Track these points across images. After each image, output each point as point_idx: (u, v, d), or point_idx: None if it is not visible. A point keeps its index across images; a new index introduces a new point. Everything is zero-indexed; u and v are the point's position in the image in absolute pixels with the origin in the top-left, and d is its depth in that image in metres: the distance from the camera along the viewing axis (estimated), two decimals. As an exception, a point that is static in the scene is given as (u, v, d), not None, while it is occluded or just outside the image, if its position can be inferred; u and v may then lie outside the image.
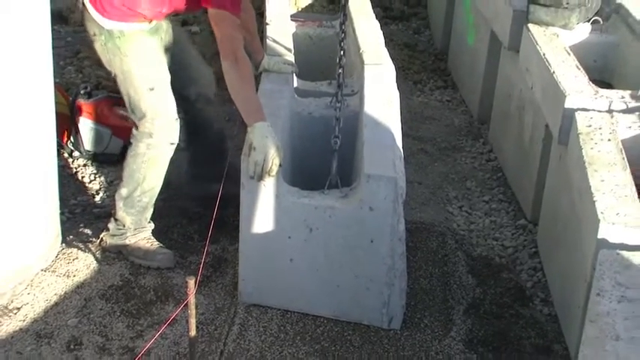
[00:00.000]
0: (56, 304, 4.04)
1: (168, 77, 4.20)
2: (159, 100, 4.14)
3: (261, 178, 3.74)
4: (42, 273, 4.20)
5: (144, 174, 4.22)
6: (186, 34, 4.43)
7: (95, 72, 6.31)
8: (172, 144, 4.22)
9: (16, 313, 3.95)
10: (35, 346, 3.78)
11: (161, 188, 4.37)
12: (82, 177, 5.19)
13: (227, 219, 4.09)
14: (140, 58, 4.10)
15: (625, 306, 2.87)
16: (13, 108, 3.83)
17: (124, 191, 4.28)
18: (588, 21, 5.22)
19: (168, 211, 4.65)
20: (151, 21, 4.11)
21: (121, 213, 4.31)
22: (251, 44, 4.55)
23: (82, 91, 5.33)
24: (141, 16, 4.04)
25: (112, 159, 5.18)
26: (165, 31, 4.27)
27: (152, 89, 4.12)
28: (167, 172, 4.31)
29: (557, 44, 4.86)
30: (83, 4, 4.11)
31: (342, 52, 4.08)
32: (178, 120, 4.22)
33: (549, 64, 4.57)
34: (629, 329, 2.76)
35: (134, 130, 4.22)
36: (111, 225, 4.36)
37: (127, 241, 4.33)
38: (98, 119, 5.18)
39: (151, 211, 4.37)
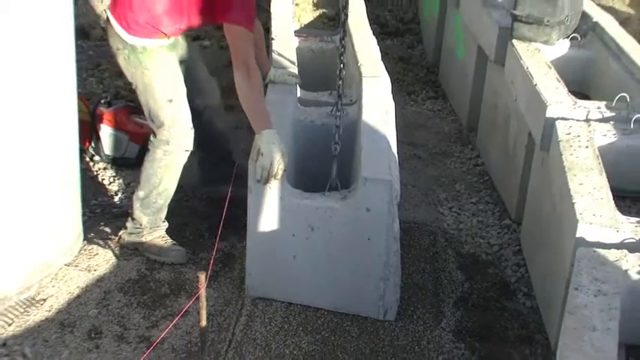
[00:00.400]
0: (78, 296, 4.05)
1: (184, 89, 4.21)
2: (176, 111, 4.15)
3: (267, 181, 3.75)
4: (65, 267, 4.21)
5: (160, 178, 4.23)
6: (196, 49, 4.42)
7: (114, 83, 6.33)
8: (187, 151, 4.23)
9: (42, 304, 3.96)
10: (59, 334, 3.79)
11: (174, 190, 4.40)
12: (102, 179, 5.20)
13: (235, 219, 4.09)
14: (160, 71, 4.11)
15: (601, 299, 2.88)
16: (41, 116, 3.84)
17: (141, 193, 4.29)
18: (567, 37, 5.22)
19: (181, 211, 4.65)
20: (169, 37, 4.13)
21: (137, 213, 4.32)
22: (258, 57, 4.54)
23: (102, 101, 5.35)
24: (161, 33, 4.05)
25: (129, 162, 5.19)
26: (181, 46, 4.28)
27: (170, 100, 4.13)
28: (180, 176, 4.33)
29: (539, 59, 4.86)
30: (108, 20, 4.12)
31: (341, 65, 4.07)
32: (193, 129, 4.23)
33: (532, 77, 4.57)
34: (605, 320, 2.77)
35: (152, 137, 4.24)
36: (128, 224, 4.37)
37: (143, 239, 4.34)
38: (117, 126, 5.20)
39: (165, 211, 4.37)
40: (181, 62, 4.26)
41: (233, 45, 3.92)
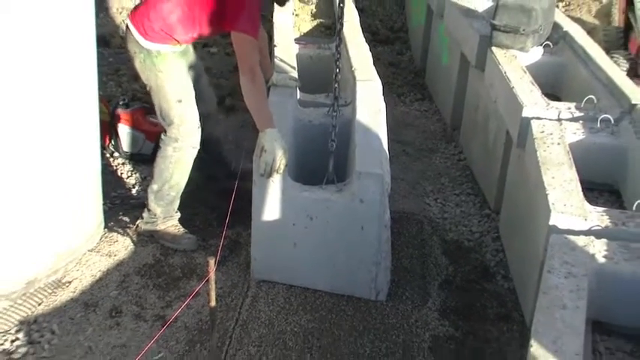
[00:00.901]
0: (100, 279, 4.07)
1: (192, 92, 4.22)
2: (185, 111, 4.17)
3: (270, 175, 3.76)
4: (88, 253, 4.23)
5: (171, 172, 4.24)
6: (200, 62, 4.42)
7: (131, 86, 6.32)
8: (194, 147, 4.24)
9: (67, 286, 3.98)
10: (83, 313, 3.82)
11: (186, 183, 4.40)
12: (121, 173, 5.21)
13: (241, 209, 4.10)
14: (171, 74, 4.13)
15: (571, 281, 2.89)
16: (65, 116, 3.85)
17: (154, 186, 4.31)
18: (541, 45, 5.23)
19: (192, 203, 4.65)
20: (181, 44, 4.14)
21: (152, 204, 4.34)
22: (262, 63, 4.55)
23: (120, 102, 5.36)
24: (174, 40, 4.06)
25: (145, 158, 5.18)
26: (191, 55, 4.29)
27: (180, 101, 4.14)
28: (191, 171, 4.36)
29: (516, 64, 4.87)
30: (128, 27, 4.13)
31: (337, 70, 4.09)
32: (200, 128, 4.25)
33: (509, 81, 4.58)
34: (574, 300, 2.78)
35: (163, 135, 4.25)
36: (144, 214, 4.39)
37: (158, 228, 4.36)
38: (134, 125, 5.21)
39: (177, 202, 4.39)
40: (190, 68, 4.27)
41: (239, 52, 3.92)
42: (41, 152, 3.75)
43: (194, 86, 4.28)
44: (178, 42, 4.09)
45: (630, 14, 11.58)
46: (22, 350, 3.56)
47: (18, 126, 3.60)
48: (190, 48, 4.28)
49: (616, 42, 11.57)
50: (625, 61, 9.41)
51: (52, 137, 3.78)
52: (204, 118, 4.31)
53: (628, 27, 11.76)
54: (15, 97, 3.53)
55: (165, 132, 4.24)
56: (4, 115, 3.53)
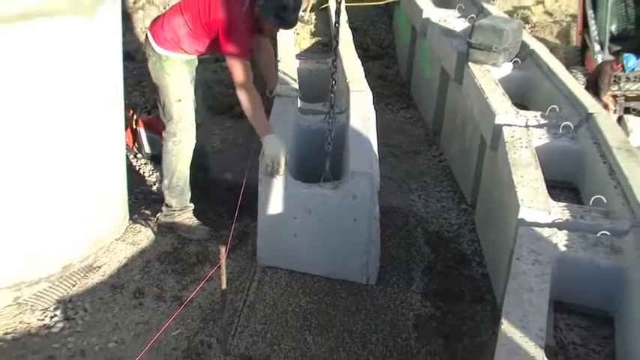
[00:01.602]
0: (125, 264, 4.08)
1: (192, 95, 4.25)
2: (183, 109, 4.19)
3: (272, 175, 3.79)
4: (115, 242, 4.24)
5: (175, 164, 4.27)
6: (199, 76, 4.42)
7: (153, 96, 6.28)
8: (191, 141, 4.27)
9: (97, 270, 4.00)
10: (111, 294, 3.85)
11: (197, 183, 4.42)
12: (144, 172, 5.21)
13: (248, 204, 4.11)
14: (176, 77, 4.16)
15: (537, 267, 2.91)
16: (96, 121, 3.86)
17: (165, 182, 4.33)
18: (510, 61, 5.24)
19: (205, 199, 4.65)
20: (188, 54, 4.17)
21: (167, 198, 4.36)
22: (268, 75, 4.59)
23: (143, 110, 5.38)
24: (182, 49, 4.11)
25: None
26: (195, 66, 4.30)
27: (180, 100, 4.17)
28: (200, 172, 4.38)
29: (489, 77, 4.89)
30: (146, 34, 4.19)
31: (333, 82, 4.08)
32: (195, 125, 4.26)
33: (484, 92, 4.60)
34: (539, 283, 2.81)
35: (164, 132, 4.28)
36: (163, 208, 4.40)
37: (176, 220, 4.37)
38: (154, 130, 5.19)
39: (188, 194, 4.39)
40: (193, 77, 4.28)
41: (232, 71, 3.97)
42: (76, 154, 3.76)
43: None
44: (185, 52, 4.14)
45: (586, 36, 11.72)
46: (60, 325, 3.59)
47: (59, 133, 3.62)
48: (196, 61, 4.29)
49: (574, 59, 11.68)
50: (582, 76, 9.50)
51: (83, 141, 3.79)
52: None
53: (584, 47, 11.89)
54: (57, 107, 3.55)
55: (165, 128, 4.27)
56: (50, 124, 3.56)
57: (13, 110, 3.38)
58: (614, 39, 11.47)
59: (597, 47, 11.34)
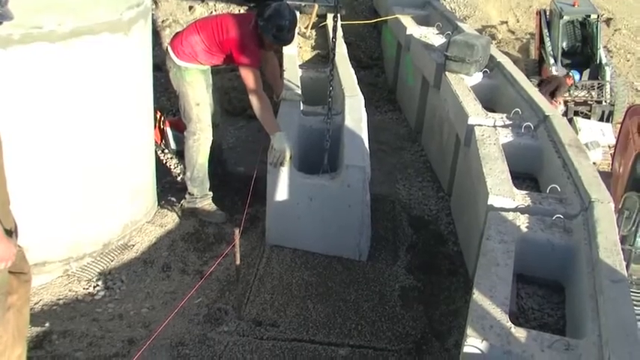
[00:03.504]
0: (155, 243, 4.10)
1: (208, 99, 4.27)
2: (201, 111, 4.20)
3: (280, 165, 3.79)
4: (146, 224, 4.25)
5: (195, 159, 4.27)
6: (213, 82, 4.42)
7: (178, 101, 6.30)
8: (208, 138, 4.27)
9: (131, 249, 4.01)
10: (143, 268, 3.87)
11: (215, 174, 4.42)
12: (170, 165, 5.21)
13: (259, 192, 4.12)
14: (194, 84, 4.17)
15: (503, 245, 2.93)
16: (130, 122, 3.87)
17: (188, 174, 4.33)
18: (481, 71, 5.24)
19: (222, 188, 4.65)
20: (204, 65, 4.18)
21: (190, 188, 4.35)
22: (275, 82, 4.59)
23: (169, 112, 5.38)
24: (198, 61, 4.13)
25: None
26: (209, 74, 4.32)
27: (198, 104, 4.18)
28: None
29: (463, 85, 4.88)
30: (167, 49, 4.20)
31: (331, 88, 4.11)
32: (212, 125, 4.27)
33: (458, 97, 4.60)
34: (505, 259, 2.83)
35: (185, 132, 4.30)
36: (186, 195, 4.41)
37: (197, 206, 4.37)
38: (179, 129, 5.17)
39: (208, 184, 4.38)
40: (208, 84, 4.31)
41: (245, 80, 4.00)
42: (114, 150, 3.77)
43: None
44: (202, 63, 4.15)
45: (542, 51, 11.87)
46: (101, 294, 3.63)
47: (101, 132, 3.63)
48: (209, 70, 4.30)
49: (533, 70, 11.85)
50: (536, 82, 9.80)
51: (120, 138, 3.80)
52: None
53: (541, 60, 12.03)
54: (98, 110, 3.57)
55: (186, 127, 4.27)
56: (92, 124, 3.57)
57: (64, 112, 3.41)
58: (565, 54, 11.62)
59: (552, 60, 11.45)
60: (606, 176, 6.68)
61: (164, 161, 5.24)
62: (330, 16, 6.99)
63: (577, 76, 10.72)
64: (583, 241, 2.98)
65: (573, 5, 11.67)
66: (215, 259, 3.90)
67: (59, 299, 3.55)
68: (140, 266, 3.86)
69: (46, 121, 3.35)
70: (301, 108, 4.62)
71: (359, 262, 3.97)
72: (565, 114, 10.58)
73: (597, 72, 11.33)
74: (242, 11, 8.79)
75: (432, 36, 6.20)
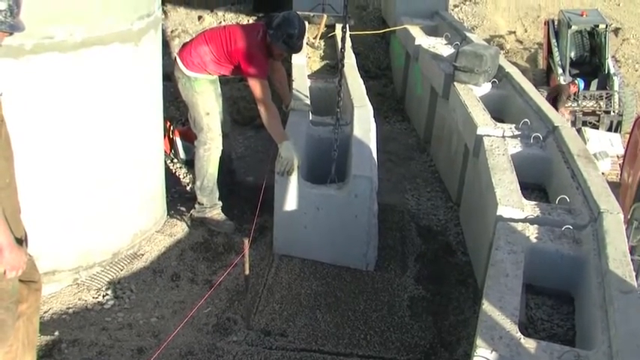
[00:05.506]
0: (164, 252, 4.09)
1: (217, 108, 4.27)
2: (211, 121, 4.21)
3: (288, 174, 3.80)
4: (156, 233, 4.25)
5: (206, 168, 4.27)
6: (221, 91, 4.44)
7: (187, 111, 6.32)
8: (218, 148, 4.28)
9: (141, 258, 4.01)
10: (153, 277, 3.86)
11: (224, 184, 4.42)
12: (179, 174, 5.22)
13: (267, 202, 4.11)
14: (203, 94, 4.19)
15: (512, 256, 2.92)
16: (140, 131, 3.88)
17: (198, 183, 4.33)
18: (489, 81, 5.24)
19: (231, 198, 4.65)
20: (213, 75, 4.20)
21: (199, 197, 4.35)
22: (283, 92, 4.61)
23: (179, 122, 5.39)
24: (207, 72, 4.15)
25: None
26: (217, 84, 4.34)
27: (208, 114, 4.20)
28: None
29: (472, 95, 4.88)
30: (176, 60, 4.23)
31: (339, 98, 4.11)
32: (222, 134, 4.28)
33: (467, 107, 4.60)
34: (514, 270, 2.82)
35: (195, 142, 4.31)
36: (196, 205, 4.40)
37: (206, 215, 4.37)
38: (188, 139, 5.19)
39: (217, 193, 4.37)
40: (217, 94, 4.32)
41: (254, 90, 4.03)
42: (124, 160, 3.79)
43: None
44: (210, 73, 4.18)
45: (550, 60, 11.85)
46: (111, 303, 3.63)
47: (111, 141, 3.65)
48: (217, 80, 4.32)
49: (541, 80, 11.86)
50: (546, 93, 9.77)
51: (130, 148, 3.81)
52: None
53: (549, 69, 12.02)
54: (108, 119, 3.59)
55: (197, 137, 4.28)
56: (103, 133, 3.59)
57: (74, 122, 3.43)
58: (573, 63, 11.62)
59: (560, 70, 11.45)
60: (615, 186, 6.65)
61: (173, 171, 5.25)
62: (338, 27, 7.02)
63: (582, 84, 10.70)
64: (592, 252, 2.97)
65: (581, 15, 11.69)
66: (224, 268, 3.89)
67: (69, 308, 3.55)
68: (149, 275, 3.86)
69: (56, 131, 3.38)
70: (310, 118, 4.63)
71: (368, 272, 3.96)
72: (573, 124, 10.57)
73: (605, 82, 11.33)
74: (251, 21, 8.85)
75: (440, 46, 6.22)
